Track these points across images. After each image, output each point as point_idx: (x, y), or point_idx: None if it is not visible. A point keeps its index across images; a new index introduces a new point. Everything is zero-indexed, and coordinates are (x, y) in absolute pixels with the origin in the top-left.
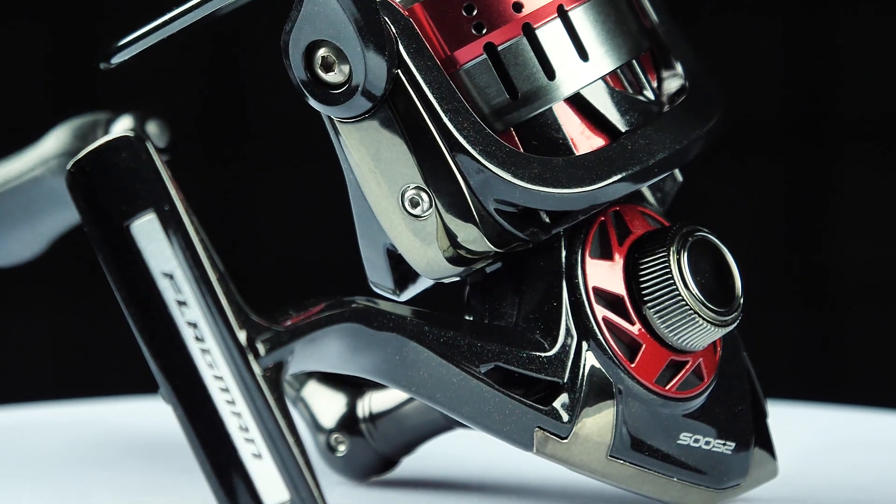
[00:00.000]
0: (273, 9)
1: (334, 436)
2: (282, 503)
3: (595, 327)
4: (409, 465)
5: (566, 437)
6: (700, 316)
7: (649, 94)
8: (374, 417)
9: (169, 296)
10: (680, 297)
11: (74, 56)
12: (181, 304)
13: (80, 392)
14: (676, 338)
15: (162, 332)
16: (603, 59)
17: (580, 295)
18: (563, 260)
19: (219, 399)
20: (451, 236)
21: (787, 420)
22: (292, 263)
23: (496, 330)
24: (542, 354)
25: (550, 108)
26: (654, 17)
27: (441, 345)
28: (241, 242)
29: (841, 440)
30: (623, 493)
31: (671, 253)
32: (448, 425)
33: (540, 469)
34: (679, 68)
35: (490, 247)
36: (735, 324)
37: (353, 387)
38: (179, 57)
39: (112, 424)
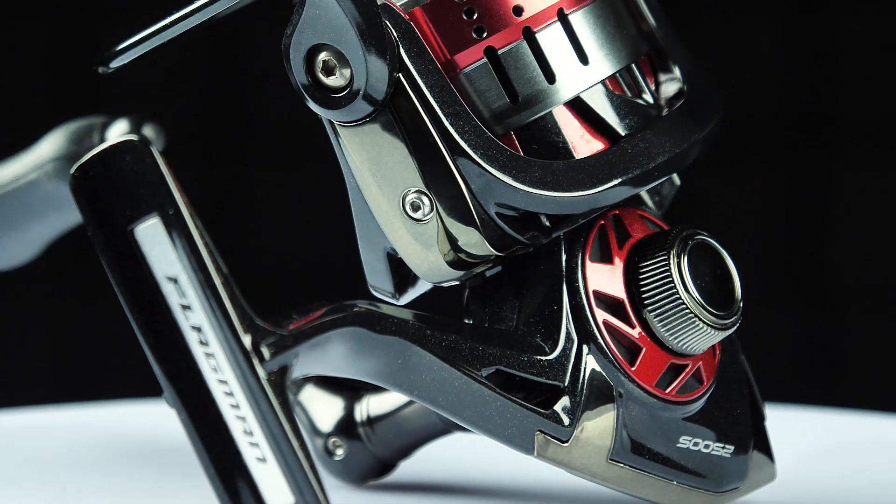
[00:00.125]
0: (273, 11)
1: (332, 439)
2: None
3: (595, 331)
4: (407, 468)
5: (567, 441)
6: (700, 319)
7: (648, 97)
8: (371, 421)
9: (173, 300)
10: (680, 301)
11: (75, 56)
12: (185, 308)
13: (81, 395)
14: (677, 341)
15: (166, 336)
16: (603, 63)
17: (580, 298)
18: (564, 263)
19: (223, 403)
20: (451, 240)
21: (785, 423)
22: (292, 266)
23: (497, 334)
24: (543, 358)
25: (550, 111)
26: (651, 20)
27: (443, 348)
28: (240, 244)
29: (840, 443)
30: (622, 497)
31: (671, 256)
32: (446, 429)
33: (537, 472)
34: (677, 72)
35: (491, 250)
36: (735, 327)
37: (350, 390)
38: (179, 58)
39: (113, 428)
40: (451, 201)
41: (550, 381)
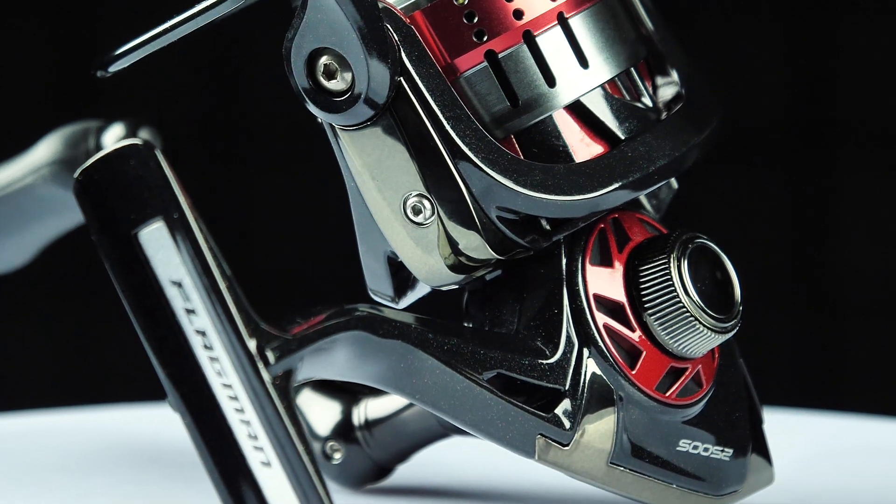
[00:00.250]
0: (273, 14)
1: (330, 443)
2: None
3: (596, 334)
4: (404, 472)
5: (568, 445)
6: (700, 322)
7: (647, 101)
8: (370, 425)
9: (177, 304)
10: (680, 304)
11: (75, 60)
12: (189, 312)
13: (80, 399)
14: (677, 344)
15: (170, 340)
16: (602, 67)
17: (581, 302)
18: (564, 267)
19: (227, 407)
20: (452, 244)
21: (784, 426)
22: (291, 269)
23: (498, 337)
24: (544, 362)
25: (550, 115)
26: (648, 24)
27: (445, 352)
28: (239, 247)
29: (838, 447)
30: (622, 500)
31: (671, 260)
32: (444, 433)
33: (534, 476)
34: (675, 75)
35: (492, 254)
36: (734, 331)
37: (347, 394)
38: (180, 61)
39: (112, 431)
40: (453, 205)
41: (551, 385)
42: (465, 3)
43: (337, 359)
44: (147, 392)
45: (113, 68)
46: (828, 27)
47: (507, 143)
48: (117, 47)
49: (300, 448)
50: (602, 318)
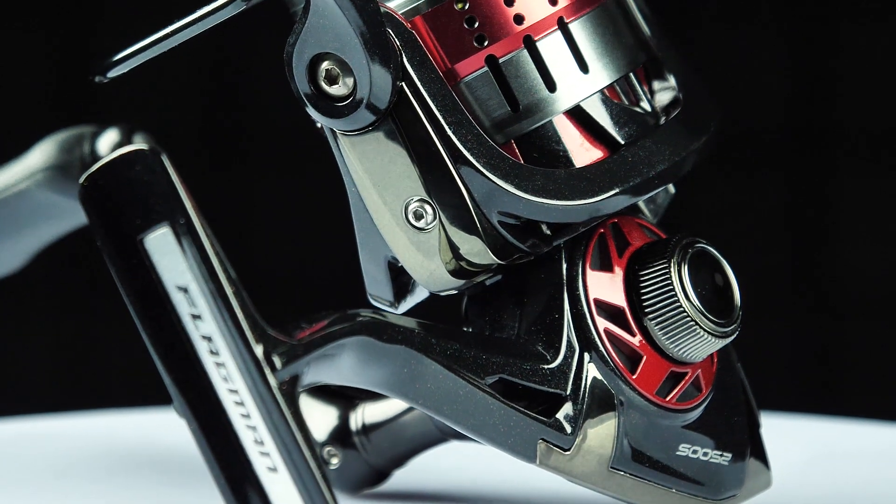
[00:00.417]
0: (273, 19)
1: (327, 448)
2: None
3: (597, 339)
4: (401, 477)
5: (569, 449)
6: (701, 327)
7: (646, 105)
8: (367, 430)
9: (183, 309)
10: (681, 308)
11: (74, 62)
12: (196, 317)
13: (80, 404)
14: (677, 349)
15: (176, 346)
16: (602, 72)
17: (581, 307)
18: (564, 272)
19: (233, 413)
20: (454, 249)
21: (782, 431)
22: (291, 273)
23: (499, 342)
24: (545, 366)
25: (551, 120)
26: (645, 29)
27: (447, 357)
28: (239, 250)
29: (836, 451)
30: None
31: (672, 264)
32: (441, 437)
33: (531, 481)
34: (672, 80)
35: (493, 259)
36: (734, 335)
37: (344, 399)
38: (180, 66)
39: (115, 437)
40: (454, 210)
41: (552, 390)
42: (466, 7)
43: (342, 364)
44: (149, 396)
45: (111, 74)
46: (828, 28)
47: (507, 148)
48: (116, 52)
49: (307, 453)
50: (603, 323)
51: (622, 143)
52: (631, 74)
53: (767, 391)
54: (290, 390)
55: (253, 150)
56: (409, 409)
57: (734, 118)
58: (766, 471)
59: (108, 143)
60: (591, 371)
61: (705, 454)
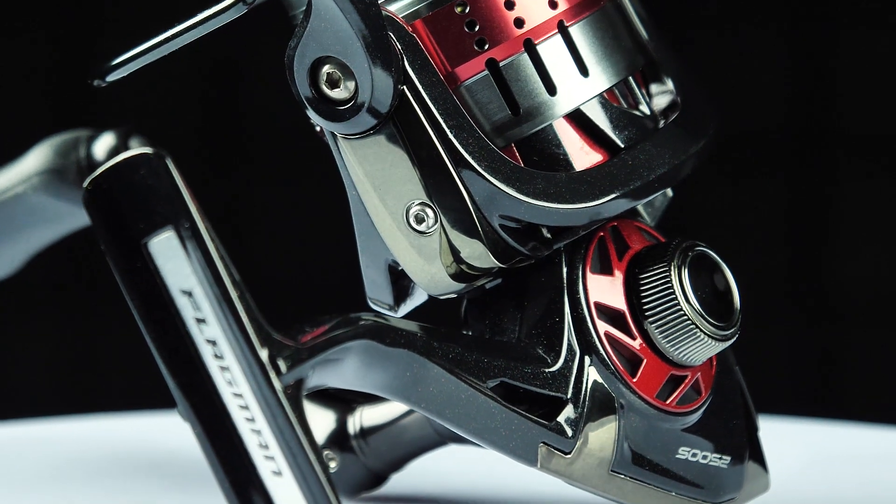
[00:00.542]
0: (274, 23)
1: (324, 452)
2: None
3: (597, 342)
4: (399, 480)
5: (570, 453)
6: (701, 330)
7: (645, 109)
8: (365, 433)
9: (187, 313)
10: (681, 312)
11: (73, 64)
12: (200, 321)
13: (81, 407)
14: (677, 352)
15: (180, 350)
16: (602, 76)
17: (582, 310)
18: (565, 276)
19: (238, 416)
20: (455, 252)
21: (781, 434)
22: (291, 276)
23: (500, 345)
24: (546, 370)
25: (551, 123)
26: (643, 33)
27: (449, 360)
28: (238, 253)
29: (834, 455)
30: None
31: (672, 267)
32: (440, 441)
33: (530, 484)
34: (669, 84)
35: (494, 262)
36: (734, 338)
37: (342, 403)
38: (180, 66)
39: (117, 441)
40: (455, 213)
41: (553, 393)
42: (466, 11)
43: (346, 368)
44: (150, 400)
45: (110, 78)
46: (828, 29)
47: (507, 152)
48: (116, 56)
49: (312, 457)
50: (603, 327)
51: (622, 146)
52: (630, 78)
53: (766, 394)
54: (295, 394)
55: (253, 153)
56: (408, 413)
57: (734, 119)
58: (764, 474)
59: (104, 146)
60: (592, 374)
61: (704, 457)
